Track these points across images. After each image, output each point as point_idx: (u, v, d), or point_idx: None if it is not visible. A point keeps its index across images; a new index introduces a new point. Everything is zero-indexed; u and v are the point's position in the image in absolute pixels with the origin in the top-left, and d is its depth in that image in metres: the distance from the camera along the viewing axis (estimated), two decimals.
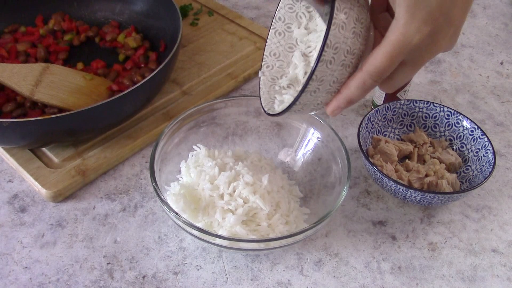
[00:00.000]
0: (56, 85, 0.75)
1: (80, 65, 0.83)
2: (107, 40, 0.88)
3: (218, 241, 0.57)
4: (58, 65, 0.79)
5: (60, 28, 0.89)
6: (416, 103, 0.76)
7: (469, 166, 0.72)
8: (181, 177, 0.67)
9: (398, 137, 0.78)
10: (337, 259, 0.64)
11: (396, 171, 0.71)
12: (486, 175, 0.66)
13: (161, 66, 0.70)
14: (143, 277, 0.61)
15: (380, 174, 0.65)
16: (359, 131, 0.70)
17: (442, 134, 0.76)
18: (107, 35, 0.88)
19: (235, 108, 0.73)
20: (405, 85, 0.78)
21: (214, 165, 0.64)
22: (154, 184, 0.60)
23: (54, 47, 0.86)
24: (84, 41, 0.89)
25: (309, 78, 0.46)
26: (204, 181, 0.63)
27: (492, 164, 0.67)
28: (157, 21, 0.87)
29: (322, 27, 0.52)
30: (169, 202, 0.61)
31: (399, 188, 0.65)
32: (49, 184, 0.68)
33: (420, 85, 0.90)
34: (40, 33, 0.88)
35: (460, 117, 0.74)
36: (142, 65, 0.83)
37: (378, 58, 0.45)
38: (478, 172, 0.70)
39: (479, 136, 0.72)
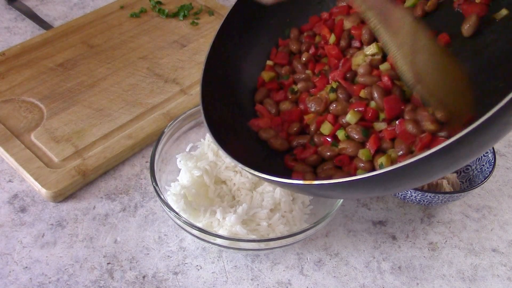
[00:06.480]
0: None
1: None
2: None
3: (218, 241, 0.57)
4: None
5: None
6: None
7: (469, 165, 0.72)
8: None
9: None
10: (337, 259, 0.64)
11: None
12: (486, 175, 0.66)
13: None
14: (143, 277, 0.61)
15: None
16: None
17: None
18: None
19: None
20: None
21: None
22: (154, 184, 0.60)
23: None
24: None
25: None
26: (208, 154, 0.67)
27: (492, 164, 0.67)
28: None
29: None
30: (169, 202, 0.61)
31: None
32: (49, 184, 0.68)
33: None
34: None
35: None
36: None
37: None
38: (478, 171, 0.69)
39: None
